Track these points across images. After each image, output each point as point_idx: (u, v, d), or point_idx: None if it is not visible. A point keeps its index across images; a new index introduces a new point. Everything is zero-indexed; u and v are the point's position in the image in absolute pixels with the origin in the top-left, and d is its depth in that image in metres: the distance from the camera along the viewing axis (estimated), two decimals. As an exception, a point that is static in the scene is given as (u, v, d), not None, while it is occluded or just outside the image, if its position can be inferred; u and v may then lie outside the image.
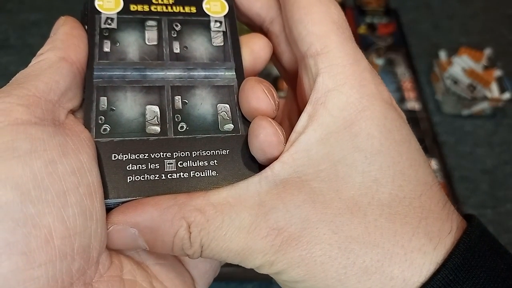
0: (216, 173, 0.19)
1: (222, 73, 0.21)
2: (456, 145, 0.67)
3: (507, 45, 0.81)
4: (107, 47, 0.21)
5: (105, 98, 0.19)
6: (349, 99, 0.17)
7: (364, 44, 0.79)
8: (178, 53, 0.21)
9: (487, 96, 0.69)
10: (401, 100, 0.72)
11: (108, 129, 0.19)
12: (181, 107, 0.20)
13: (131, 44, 0.21)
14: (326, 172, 0.16)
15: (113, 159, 0.18)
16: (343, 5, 0.85)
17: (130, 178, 0.18)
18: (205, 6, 0.22)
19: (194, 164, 0.19)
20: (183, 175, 0.19)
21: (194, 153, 0.19)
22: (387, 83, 0.74)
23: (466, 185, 0.63)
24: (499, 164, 0.65)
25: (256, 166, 0.19)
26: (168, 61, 0.21)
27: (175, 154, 0.19)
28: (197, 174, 0.19)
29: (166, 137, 0.19)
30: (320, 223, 0.16)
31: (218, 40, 0.22)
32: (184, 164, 0.19)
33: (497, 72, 0.70)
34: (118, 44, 0.21)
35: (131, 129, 0.19)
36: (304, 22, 0.18)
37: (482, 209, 0.61)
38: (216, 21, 0.22)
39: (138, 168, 0.18)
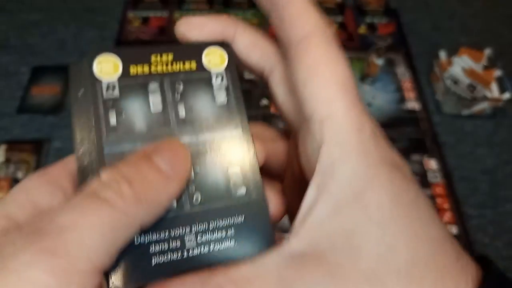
0: (235, 243, 0.19)
1: (229, 133, 0.21)
2: (456, 145, 0.67)
3: (507, 45, 0.81)
4: (113, 120, 0.19)
5: None
6: (356, 170, 0.17)
7: (364, 44, 0.79)
8: (184, 117, 0.20)
9: (487, 96, 0.69)
10: (401, 100, 0.72)
11: None
12: (193, 177, 0.19)
13: (137, 113, 0.20)
14: (341, 244, 0.17)
15: (135, 243, 0.18)
16: (343, 5, 0.85)
17: (154, 260, 0.18)
18: (204, 60, 0.21)
19: (213, 236, 0.19)
20: (203, 250, 0.19)
21: (212, 225, 0.19)
22: (387, 83, 0.74)
23: (466, 185, 0.63)
24: (499, 164, 0.65)
25: (272, 232, 0.19)
26: (176, 128, 0.20)
27: (194, 229, 0.19)
28: (216, 247, 0.19)
29: (183, 211, 0.19)
30: None
31: (221, 97, 0.21)
32: (203, 239, 0.19)
33: (497, 72, 0.70)
34: (124, 115, 0.20)
35: None
36: (309, 85, 0.18)
37: (482, 209, 0.61)
38: (217, 76, 0.21)
39: (160, 248, 0.18)
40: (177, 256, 0.18)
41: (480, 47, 0.72)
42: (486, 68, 0.71)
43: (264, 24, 0.82)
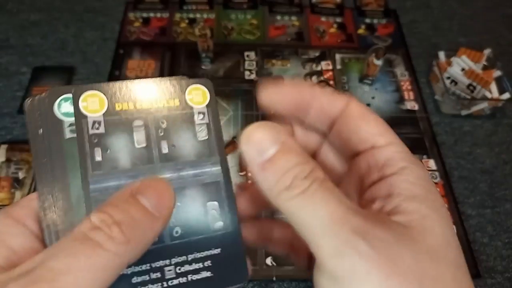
0: (211, 274, 0.20)
1: (209, 169, 0.22)
2: (455, 145, 0.67)
3: (507, 45, 0.81)
4: (98, 156, 0.20)
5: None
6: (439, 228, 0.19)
7: (364, 44, 0.79)
8: (166, 153, 0.21)
9: (487, 96, 0.69)
10: (400, 100, 0.72)
11: None
12: (174, 211, 0.20)
13: (121, 149, 0.20)
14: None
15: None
16: (342, 6, 0.85)
17: None
18: (187, 97, 0.22)
19: (191, 267, 0.20)
20: (182, 280, 0.20)
21: (190, 257, 0.20)
22: (386, 83, 0.74)
23: (465, 185, 0.63)
24: (498, 164, 0.66)
25: (245, 264, 0.20)
26: (158, 163, 0.21)
27: (173, 260, 0.20)
28: (194, 277, 0.20)
29: (163, 244, 0.20)
30: None
31: (202, 134, 0.22)
32: (182, 269, 0.20)
33: (497, 72, 0.70)
34: (109, 150, 0.20)
35: None
36: (365, 127, 0.22)
37: (481, 209, 0.61)
38: (199, 112, 0.22)
39: (142, 279, 0.19)
40: (158, 286, 0.19)
41: (479, 47, 0.73)
42: (485, 68, 0.71)
43: (263, 24, 0.82)
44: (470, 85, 0.69)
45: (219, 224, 0.21)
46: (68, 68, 0.73)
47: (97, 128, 0.20)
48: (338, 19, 0.83)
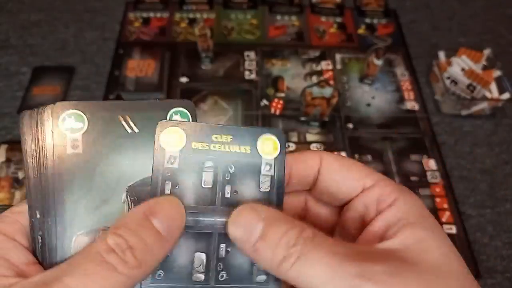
0: None
1: None
2: (455, 145, 0.67)
3: (507, 45, 0.82)
4: (168, 189, 0.21)
5: None
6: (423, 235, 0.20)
7: (364, 44, 0.79)
8: (228, 197, 0.22)
9: (487, 96, 0.69)
10: (400, 100, 0.72)
11: (162, 275, 0.20)
12: (223, 256, 0.21)
13: (189, 186, 0.21)
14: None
15: None
16: (342, 6, 0.85)
17: None
18: (259, 145, 0.23)
19: None
20: None
21: None
22: (387, 83, 0.74)
23: (465, 185, 0.63)
24: (498, 164, 0.66)
25: None
26: (219, 206, 0.22)
27: None
28: None
29: (208, 285, 0.21)
30: None
31: (265, 186, 0.22)
32: None
33: (497, 72, 0.70)
34: (178, 186, 0.21)
35: (181, 276, 0.21)
36: (350, 175, 0.23)
37: (481, 209, 0.61)
38: (267, 163, 0.23)
39: None
40: None
41: (479, 47, 0.73)
42: (485, 68, 0.71)
43: (263, 24, 0.82)
44: (470, 85, 0.69)
45: (262, 277, 0.21)
46: (68, 68, 0.73)
47: (172, 163, 0.21)
48: (338, 19, 0.83)
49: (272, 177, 0.22)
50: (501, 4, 0.90)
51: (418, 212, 0.21)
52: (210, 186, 0.21)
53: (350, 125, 0.68)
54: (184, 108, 0.23)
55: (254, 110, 0.68)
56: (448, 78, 0.70)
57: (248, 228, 0.20)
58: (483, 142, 0.68)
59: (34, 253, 0.20)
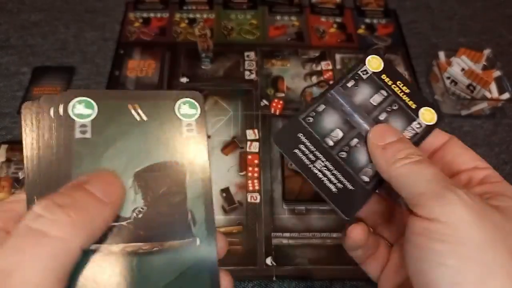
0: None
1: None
2: (455, 145, 0.67)
3: (507, 45, 0.82)
4: (350, 84, 0.29)
5: (324, 106, 0.29)
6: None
7: (363, 44, 0.79)
8: (380, 119, 0.28)
9: (487, 96, 0.69)
10: (400, 100, 0.72)
11: (311, 120, 0.28)
12: (352, 145, 0.28)
13: (362, 93, 0.29)
14: None
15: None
16: (342, 6, 0.85)
17: None
18: (421, 110, 0.29)
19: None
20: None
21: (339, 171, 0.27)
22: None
23: (465, 185, 0.63)
24: (498, 164, 0.66)
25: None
26: (370, 120, 0.28)
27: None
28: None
29: (331, 151, 0.28)
30: None
31: (409, 134, 0.28)
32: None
33: (497, 73, 0.70)
34: (357, 88, 0.29)
35: (321, 130, 0.28)
36: (468, 154, 0.28)
37: (481, 209, 0.61)
38: (419, 123, 0.29)
39: None
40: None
41: (479, 47, 0.73)
42: (485, 68, 0.71)
43: (263, 24, 0.82)
44: (470, 85, 0.69)
45: (366, 178, 0.27)
46: (68, 68, 0.73)
47: (364, 74, 0.30)
48: (338, 19, 0.83)
49: (416, 134, 0.29)
50: (501, 4, 0.90)
51: None
52: (375, 104, 0.29)
53: (350, 125, 0.68)
54: (193, 98, 0.23)
55: (254, 110, 0.68)
56: (448, 78, 0.70)
57: (384, 135, 0.26)
58: (483, 142, 0.68)
59: None
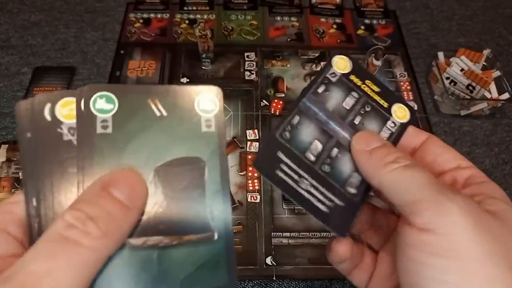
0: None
1: None
2: (454, 145, 0.67)
3: (506, 45, 0.82)
4: (321, 89, 0.28)
5: (298, 117, 0.27)
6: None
7: (363, 45, 0.79)
8: (355, 124, 0.27)
9: (486, 96, 0.70)
10: (400, 101, 0.72)
11: (288, 136, 0.26)
12: (333, 156, 0.26)
13: (334, 98, 0.28)
14: None
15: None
16: (342, 7, 0.86)
17: None
18: (393, 108, 0.28)
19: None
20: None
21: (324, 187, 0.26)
22: (386, 83, 0.74)
23: (464, 185, 0.63)
24: (497, 164, 0.66)
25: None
26: (346, 124, 0.27)
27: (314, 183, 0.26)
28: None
29: (314, 166, 0.26)
30: None
31: (385, 134, 0.28)
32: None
33: (496, 73, 0.70)
34: (328, 92, 0.28)
35: (300, 145, 0.26)
36: (450, 153, 0.27)
37: (480, 209, 0.61)
38: (393, 122, 0.28)
39: None
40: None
41: (478, 48, 0.73)
42: (484, 68, 0.71)
43: (263, 25, 0.82)
44: (469, 85, 0.69)
45: (352, 190, 0.26)
46: (68, 69, 0.73)
47: (333, 77, 0.28)
48: (338, 20, 0.84)
49: (391, 134, 0.28)
50: (501, 4, 0.90)
51: (502, 194, 0.23)
52: (348, 108, 0.27)
53: (350, 125, 0.68)
54: (213, 94, 0.24)
55: (254, 110, 0.68)
56: (448, 78, 0.71)
57: (368, 141, 0.25)
58: (482, 142, 0.68)
59: (31, 242, 0.20)
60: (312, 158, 0.26)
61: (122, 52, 0.76)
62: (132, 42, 0.78)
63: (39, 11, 0.82)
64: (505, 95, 0.69)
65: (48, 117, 0.21)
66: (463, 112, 0.70)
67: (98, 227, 0.17)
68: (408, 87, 0.74)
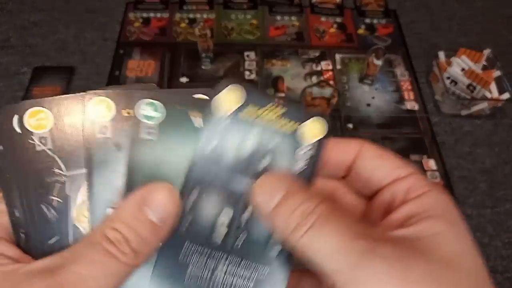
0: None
1: None
2: (455, 145, 0.67)
3: (506, 45, 0.82)
4: (209, 148, 0.22)
5: (197, 190, 0.22)
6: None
7: (363, 44, 0.79)
8: (264, 168, 0.23)
9: (487, 96, 0.69)
10: (400, 100, 0.72)
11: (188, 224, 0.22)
12: (246, 221, 0.22)
13: (229, 150, 0.22)
14: None
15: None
16: (342, 6, 0.85)
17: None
18: (302, 129, 0.24)
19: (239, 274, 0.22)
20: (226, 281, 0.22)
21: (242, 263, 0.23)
22: (386, 83, 0.74)
23: (465, 185, 0.63)
24: (498, 164, 0.66)
25: None
26: (253, 175, 0.22)
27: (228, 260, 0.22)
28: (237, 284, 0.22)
29: (224, 245, 0.22)
30: None
31: (300, 165, 0.23)
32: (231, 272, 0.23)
33: (497, 73, 0.70)
34: (220, 148, 0.22)
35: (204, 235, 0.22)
36: (385, 164, 0.23)
37: (481, 209, 0.61)
38: (307, 146, 0.23)
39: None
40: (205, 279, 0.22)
41: (479, 47, 0.73)
42: (485, 68, 0.71)
43: (263, 24, 0.82)
44: (470, 85, 0.69)
45: (274, 254, 0.22)
46: (68, 68, 0.73)
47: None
48: (338, 19, 0.83)
49: (309, 157, 0.23)
50: (501, 4, 0.90)
51: (444, 206, 0.21)
52: (251, 152, 0.22)
53: (350, 125, 0.68)
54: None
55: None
56: (448, 78, 0.70)
57: (269, 194, 0.21)
58: (483, 142, 0.68)
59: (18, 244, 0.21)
60: (223, 231, 0.22)
61: (121, 51, 0.76)
62: (132, 42, 0.78)
63: (39, 11, 0.82)
64: (506, 95, 0.68)
65: (18, 129, 0.20)
66: (463, 112, 0.70)
67: (131, 249, 0.20)
68: (409, 87, 0.74)
